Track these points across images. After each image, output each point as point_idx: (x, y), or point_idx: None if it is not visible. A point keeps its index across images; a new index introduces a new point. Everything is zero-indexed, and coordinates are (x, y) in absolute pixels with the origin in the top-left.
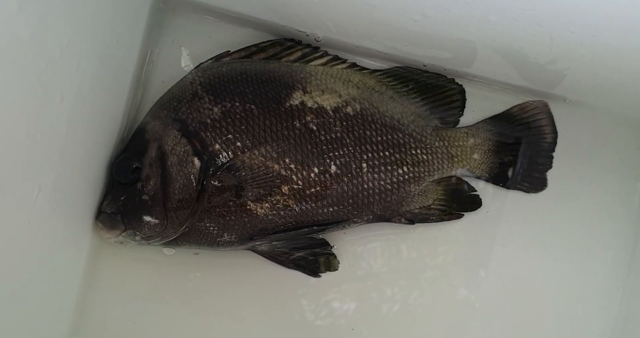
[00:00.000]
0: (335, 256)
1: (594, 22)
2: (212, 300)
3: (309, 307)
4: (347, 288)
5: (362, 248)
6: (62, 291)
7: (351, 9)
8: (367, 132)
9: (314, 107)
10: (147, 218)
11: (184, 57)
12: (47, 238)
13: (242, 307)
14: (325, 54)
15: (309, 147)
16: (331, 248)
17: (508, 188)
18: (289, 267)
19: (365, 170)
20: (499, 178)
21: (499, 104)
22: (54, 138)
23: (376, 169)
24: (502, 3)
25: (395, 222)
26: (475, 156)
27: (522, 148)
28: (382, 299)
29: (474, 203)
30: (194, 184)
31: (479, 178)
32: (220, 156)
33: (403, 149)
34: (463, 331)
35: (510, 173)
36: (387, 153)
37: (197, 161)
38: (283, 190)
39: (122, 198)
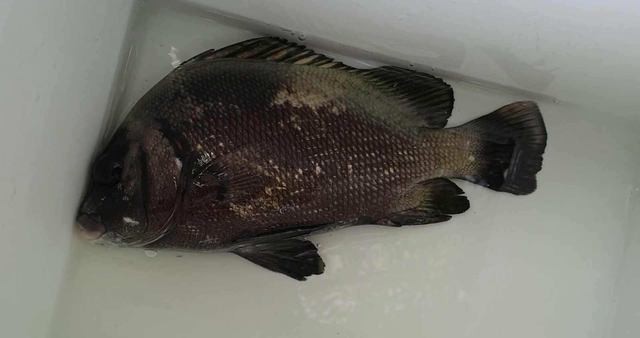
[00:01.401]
0: (321, 259)
1: (581, 21)
2: (195, 303)
3: (295, 309)
4: (334, 290)
5: (350, 250)
6: (41, 294)
7: (336, 7)
8: (353, 133)
9: (298, 107)
10: (127, 220)
11: (166, 55)
12: (24, 241)
13: (227, 309)
14: (311, 53)
15: (294, 148)
16: (316, 250)
17: (497, 189)
18: (273, 270)
19: (350, 171)
20: (487, 180)
21: (488, 104)
22: (29, 138)
23: (362, 171)
24: (487, 1)
25: (381, 224)
26: (464, 157)
27: (511, 150)
28: (370, 303)
29: (462, 204)
30: (175, 185)
31: (466, 179)
32: (202, 156)
33: (389, 150)
34: (454, 334)
35: (500, 174)
36: (373, 154)
37: (178, 162)
38: (266, 192)
39: (102, 199)
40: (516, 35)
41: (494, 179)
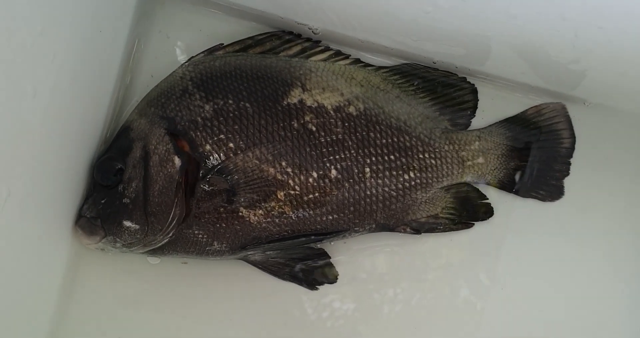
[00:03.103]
0: (334, 268)
1: (627, 17)
2: (200, 311)
3: (305, 319)
4: (345, 300)
5: (362, 257)
6: (38, 302)
7: None
8: (371, 134)
9: (313, 106)
10: (127, 223)
11: (174, 49)
12: (19, 246)
13: (234, 319)
14: (327, 48)
15: (308, 149)
16: (330, 258)
17: (522, 195)
18: (283, 279)
19: (368, 175)
20: (512, 185)
21: (514, 105)
22: (25, 136)
23: (380, 175)
24: None
25: (400, 232)
26: (488, 161)
27: (537, 154)
28: (381, 310)
29: (486, 211)
30: (174, 185)
31: (490, 184)
32: (211, 157)
33: (409, 153)
34: None
35: (524, 179)
36: (392, 157)
37: (177, 160)
38: (279, 196)
39: (103, 202)
40: (552, 31)
41: (519, 185)
